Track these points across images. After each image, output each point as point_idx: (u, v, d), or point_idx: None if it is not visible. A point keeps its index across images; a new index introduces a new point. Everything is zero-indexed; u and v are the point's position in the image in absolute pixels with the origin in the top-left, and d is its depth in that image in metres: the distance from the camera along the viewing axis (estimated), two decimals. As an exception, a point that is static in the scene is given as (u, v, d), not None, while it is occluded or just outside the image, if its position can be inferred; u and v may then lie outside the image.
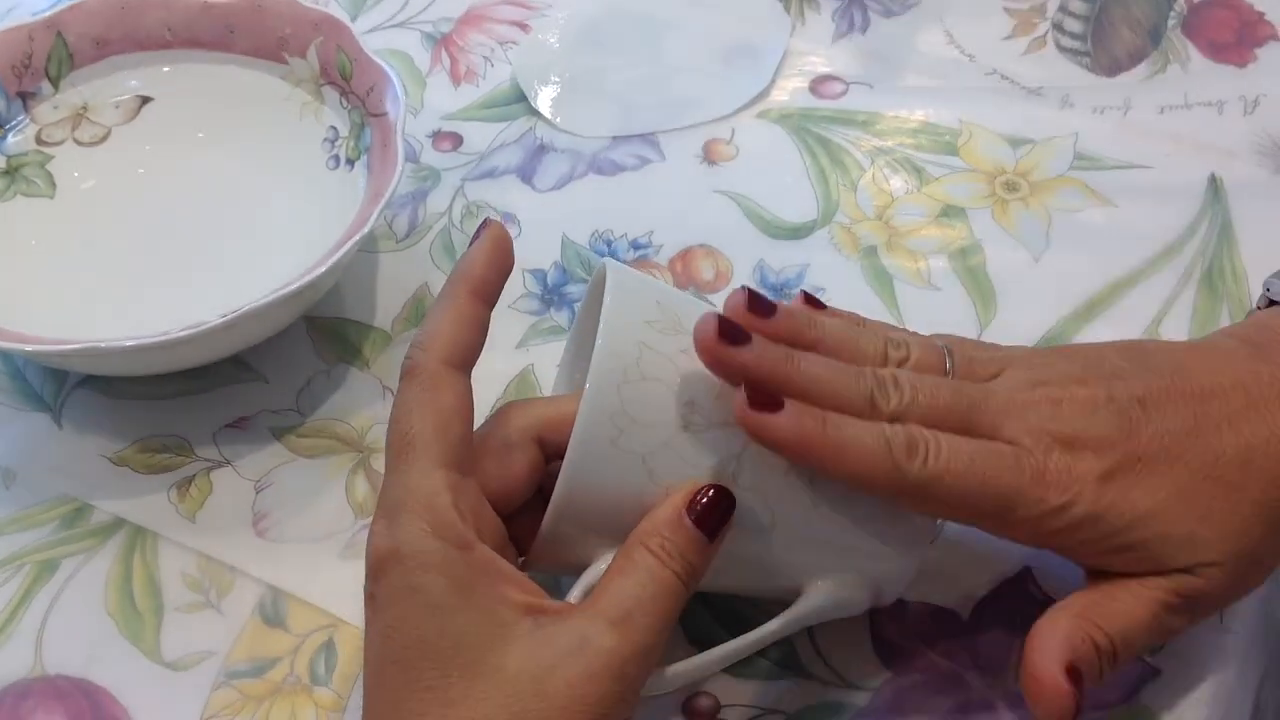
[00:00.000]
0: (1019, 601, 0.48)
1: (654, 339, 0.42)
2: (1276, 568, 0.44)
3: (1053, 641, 0.41)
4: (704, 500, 0.40)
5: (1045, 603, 0.47)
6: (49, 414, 0.55)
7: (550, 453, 0.44)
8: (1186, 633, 0.46)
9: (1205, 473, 0.41)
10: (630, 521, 0.41)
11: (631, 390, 0.40)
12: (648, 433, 0.40)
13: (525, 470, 0.43)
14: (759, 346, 0.40)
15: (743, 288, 0.42)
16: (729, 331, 0.40)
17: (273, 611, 0.49)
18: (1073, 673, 0.40)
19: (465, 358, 0.42)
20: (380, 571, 0.39)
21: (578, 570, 0.42)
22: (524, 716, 0.37)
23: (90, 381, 0.56)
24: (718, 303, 0.57)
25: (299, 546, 0.51)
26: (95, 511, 0.52)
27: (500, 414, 0.44)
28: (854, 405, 0.41)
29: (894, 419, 0.41)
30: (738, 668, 0.47)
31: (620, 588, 0.39)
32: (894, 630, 0.48)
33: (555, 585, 0.46)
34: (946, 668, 0.47)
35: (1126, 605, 0.41)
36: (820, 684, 0.47)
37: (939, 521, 0.45)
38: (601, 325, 0.41)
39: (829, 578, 0.44)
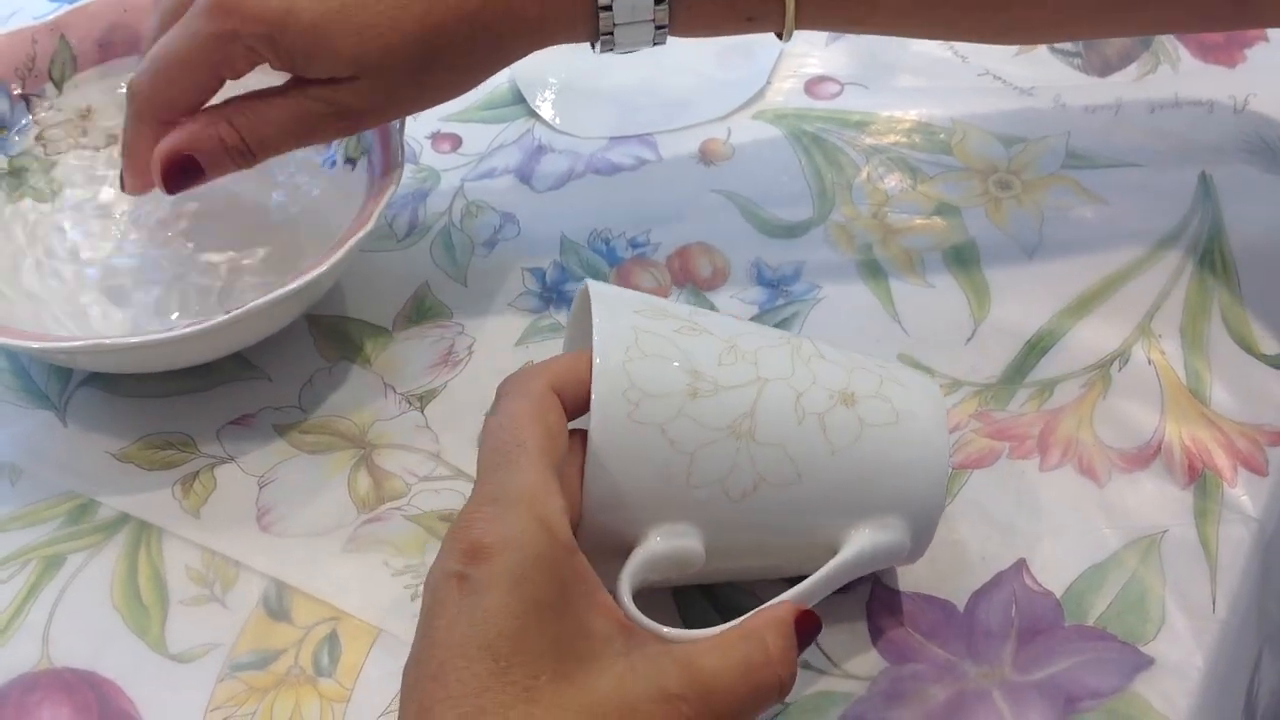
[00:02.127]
0: (1013, 593, 0.49)
1: (646, 324, 0.44)
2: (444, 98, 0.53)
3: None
4: (805, 623, 0.42)
5: (1039, 593, 0.48)
6: (54, 411, 0.56)
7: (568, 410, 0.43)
8: (1180, 622, 0.47)
9: None
10: (661, 496, 0.42)
11: (637, 367, 0.42)
12: (661, 403, 0.42)
13: (563, 428, 0.43)
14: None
15: None
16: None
17: (277, 604, 0.50)
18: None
19: (569, 402, 0.43)
20: (482, 555, 0.38)
21: (621, 553, 0.43)
22: None
23: (94, 379, 0.57)
24: (714, 301, 0.58)
25: (302, 541, 0.51)
26: (101, 507, 0.53)
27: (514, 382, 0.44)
28: None
29: None
30: (737, 658, 0.47)
31: (722, 665, 0.39)
32: (891, 621, 0.48)
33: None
34: (943, 658, 0.47)
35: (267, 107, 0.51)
36: (818, 674, 0.47)
37: (952, 451, 0.46)
38: (595, 316, 0.43)
39: (866, 524, 0.45)
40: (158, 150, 0.51)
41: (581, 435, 0.43)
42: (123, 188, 0.54)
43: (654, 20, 0.53)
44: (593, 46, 0.54)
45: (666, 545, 0.43)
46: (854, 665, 0.47)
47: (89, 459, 0.54)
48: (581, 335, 0.47)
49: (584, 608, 0.39)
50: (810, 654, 0.48)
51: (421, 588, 0.40)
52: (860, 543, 0.44)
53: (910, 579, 0.49)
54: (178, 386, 0.56)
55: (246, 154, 0.51)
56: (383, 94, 0.51)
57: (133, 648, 0.49)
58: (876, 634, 0.48)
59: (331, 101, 0.51)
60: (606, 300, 0.45)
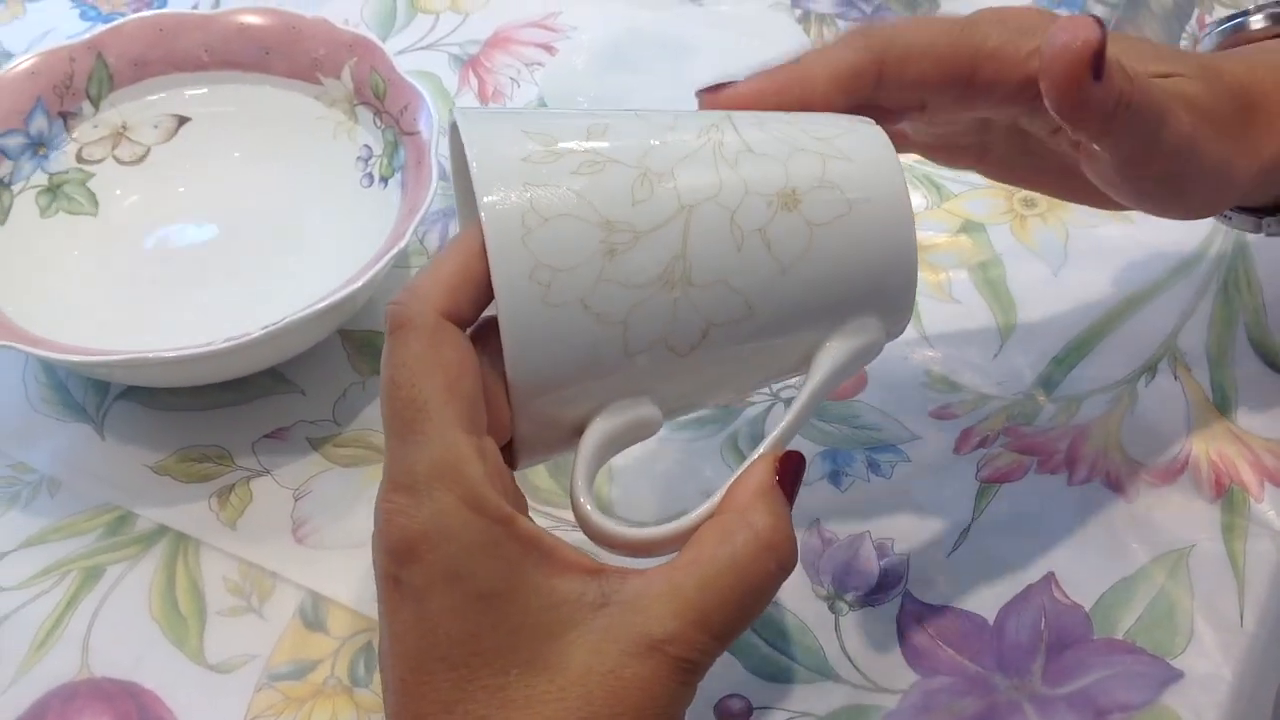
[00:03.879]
0: (1043, 606, 0.49)
1: (539, 174, 0.37)
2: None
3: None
4: (788, 469, 0.38)
5: (1068, 606, 0.49)
6: (91, 425, 0.57)
7: (469, 316, 0.38)
8: (1208, 635, 0.47)
9: None
10: (600, 377, 0.37)
11: (537, 238, 0.36)
12: (575, 275, 0.36)
13: (469, 357, 0.37)
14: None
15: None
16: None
17: (313, 615, 0.50)
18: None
19: (468, 310, 0.37)
20: (411, 555, 0.35)
21: (568, 442, 0.39)
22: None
23: (131, 393, 0.57)
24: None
25: (338, 553, 0.52)
26: (138, 519, 0.53)
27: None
28: None
29: None
30: (769, 670, 0.48)
31: (710, 577, 0.36)
32: (921, 633, 0.49)
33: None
34: (973, 671, 0.48)
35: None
36: (850, 687, 0.48)
37: (911, 220, 0.40)
38: (475, 180, 0.37)
39: (836, 334, 0.40)
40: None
41: (495, 324, 0.37)
42: None
43: None
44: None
45: (616, 424, 0.38)
46: (884, 678, 0.48)
47: (127, 471, 0.55)
48: (464, 178, 0.40)
49: (541, 577, 0.35)
50: (842, 667, 0.48)
51: None
52: (831, 356, 0.39)
53: (940, 593, 0.50)
54: (213, 400, 0.57)
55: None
56: None
57: (171, 658, 0.49)
58: (906, 646, 0.48)
59: None
60: (484, 146, 0.37)
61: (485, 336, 0.38)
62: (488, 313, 0.38)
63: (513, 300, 0.36)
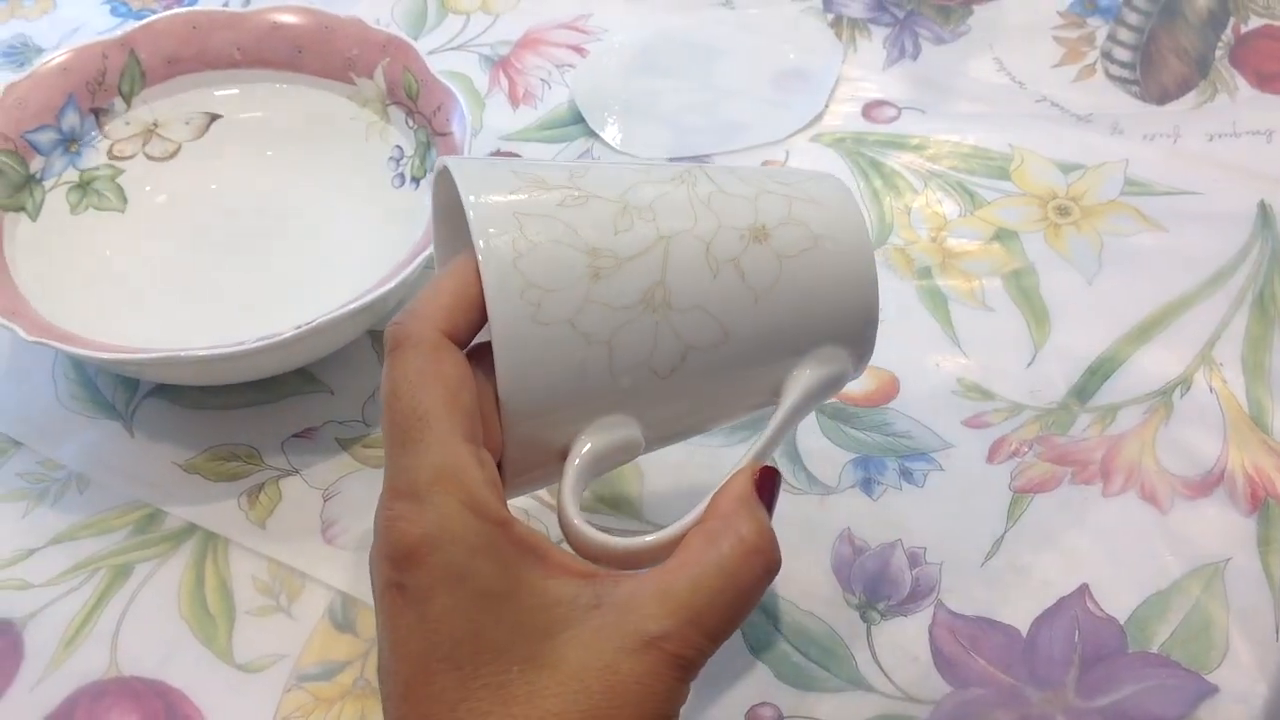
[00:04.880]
0: (1076, 618, 0.49)
1: (526, 204, 0.39)
2: None
3: None
4: (766, 482, 0.40)
5: (1102, 619, 0.48)
6: (120, 422, 0.56)
7: (465, 338, 0.39)
8: (1243, 650, 0.47)
9: None
10: (585, 394, 0.39)
11: (528, 261, 0.38)
12: (563, 296, 0.38)
13: (467, 373, 0.38)
14: None
15: None
16: None
17: (342, 616, 0.50)
18: None
19: (465, 331, 0.39)
20: (413, 559, 0.35)
21: (555, 464, 0.40)
22: (595, 715, 0.35)
23: (160, 391, 0.57)
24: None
25: (367, 554, 0.51)
26: (167, 517, 0.53)
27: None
28: None
29: None
30: (801, 680, 0.48)
31: (699, 579, 0.37)
32: (953, 645, 0.48)
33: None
34: (1006, 683, 0.47)
35: None
36: (881, 697, 0.47)
37: (871, 254, 0.42)
38: (468, 210, 0.39)
39: (805, 362, 0.42)
40: None
41: (489, 347, 0.39)
42: None
43: None
44: None
45: (602, 442, 0.40)
46: (917, 689, 0.47)
47: (156, 469, 0.55)
48: (449, 226, 0.43)
49: (537, 578, 0.36)
50: (874, 677, 0.48)
51: None
52: (802, 384, 0.41)
53: (973, 603, 0.49)
54: (242, 399, 0.57)
55: None
56: None
57: (200, 657, 0.49)
58: (939, 658, 0.48)
59: None
60: (475, 186, 0.40)
61: (478, 361, 0.39)
62: (480, 338, 0.40)
63: (506, 317, 0.38)
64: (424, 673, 0.35)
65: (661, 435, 0.42)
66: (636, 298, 0.39)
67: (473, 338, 0.39)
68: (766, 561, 0.38)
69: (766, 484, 0.40)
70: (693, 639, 0.36)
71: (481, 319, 0.39)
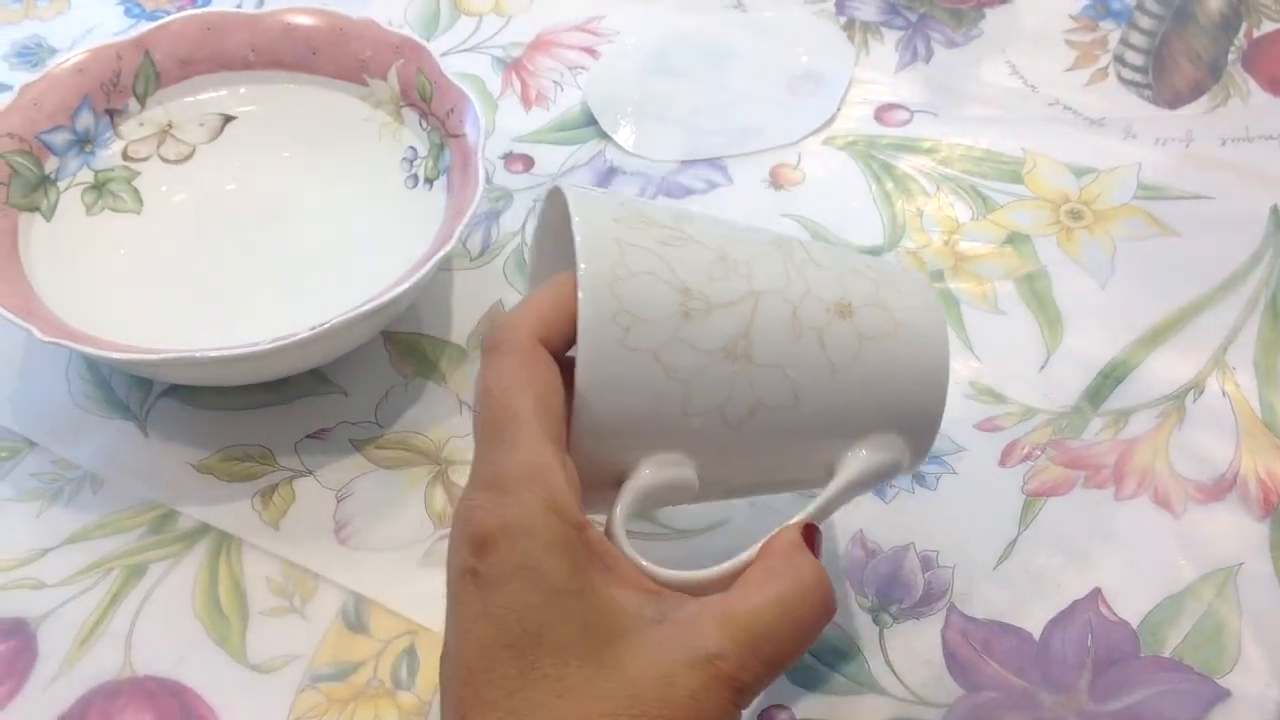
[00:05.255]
0: (1089, 622, 0.49)
1: (630, 235, 0.41)
2: None
3: None
4: (810, 539, 0.41)
5: (1115, 623, 0.48)
6: (135, 422, 0.57)
7: (558, 349, 0.41)
8: (1256, 655, 0.47)
9: None
10: (655, 426, 0.40)
11: (624, 287, 0.40)
12: (653, 327, 0.40)
13: (557, 379, 0.40)
14: None
15: None
16: None
17: (355, 617, 0.50)
18: None
19: (558, 343, 0.40)
20: (489, 546, 0.36)
21: (611, 489, 0.41)
22: None
23: (174, 391, 0.58)
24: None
25: (380, 554, 0.52)
26: (181, 517, 0.53)
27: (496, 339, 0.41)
28: None
29: None
30: (812, 681, 0.48)
31: (761, 606, 0.38)
32: (966, 648, 0.48)
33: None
34: (1019, 686, 0.47)
35: None
36: (894, 700, 0.47)
37: (947, 357, 0.44)
38: (576, 231, 0.40)
39: (865, 442, 0.43)
40: None
41: (573, 364, 0.40)
42: None
43: None
44: None
45: (660, 476, 0.41)
46: (928, 691, 0.48)
47: (169, 469, 0.55)
48: (552, 245, 0.44)
49: (604, 584, 0.37)
50: (886, 680, 0.48)
51: None
52: (858, 465, 0.42)
53: (986, 606, 0.49)
54: (256, 400, 0.57)
55: None
56: None
57: (214, 657, 0.49)
58: (951, 661, 0.48)
59: None
60: (585, 210, 0.41)
61: (564, 378, 0.40)
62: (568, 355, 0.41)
63: (594, 335, 0.39)
64: (487, 658, 0.36)
65: (714, 485, 0.43)
66: (720, 344, 0.40)
67: (565, 350, 0.40)
68: (825, 601, 0.39)
69: (810, 541, 0.41)
70: (749, 663, 0.37)
71: (574, 335, 0.40)
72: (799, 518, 0.42)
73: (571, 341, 0.40)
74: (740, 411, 0.41)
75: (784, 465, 0.43)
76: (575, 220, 0.40)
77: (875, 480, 0.43)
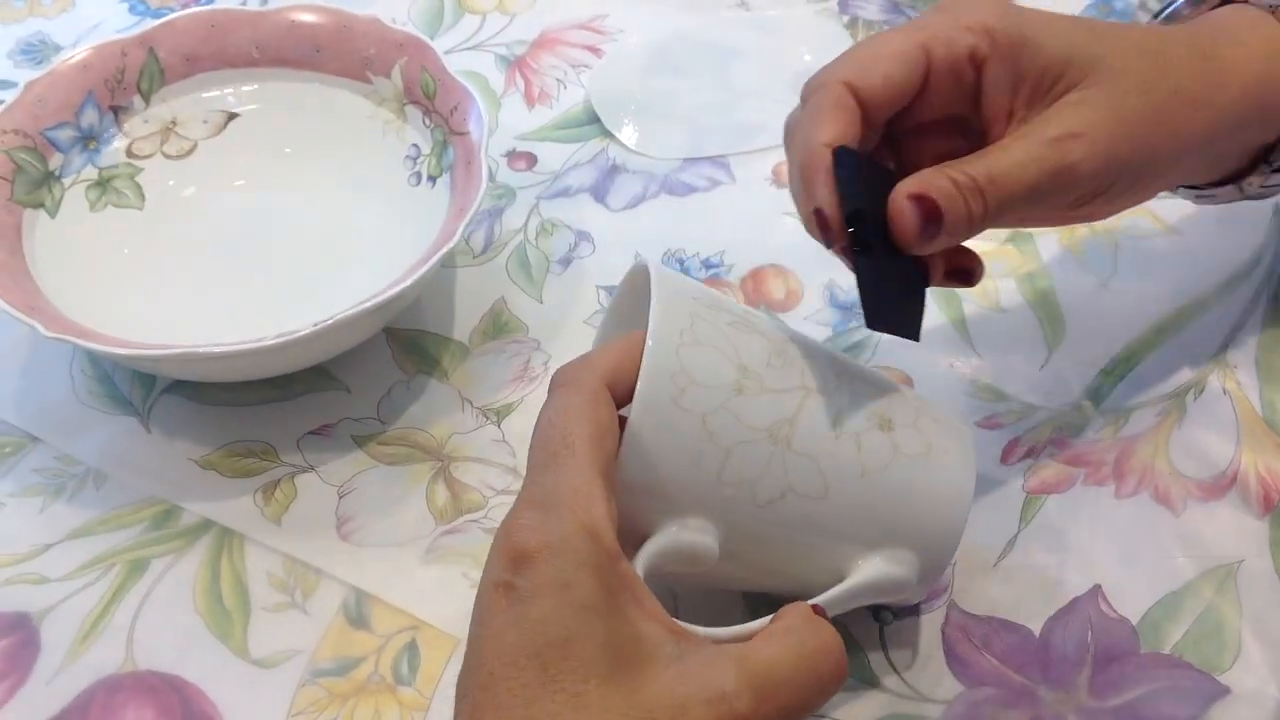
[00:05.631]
0: (1089, 619, 0.49)
1: (703, 311, 0.44)
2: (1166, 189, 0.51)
3: (909, 181, 0.44)
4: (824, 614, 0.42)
5: (1115, 620, 0.48)
6: (137, 418, 0.57)
7: (620, 399, 0.43)
8: (1256, 652, 0.47)
9: None
10: (690, 487, 0.42)
11: (689, 353, 0.42)
12: (706, 393, 0.42)
13: (615, 422, 0.42)
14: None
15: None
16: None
17: (356, 613, 0.50)
18: (921, 200, 0.43)
19: (620, 393, 0.42)
20: (526, 562, 0.38)
21: (634, 545, 0.42)
22: None
23: (177, 387, 0.58)
24: (788, 324, 0.58)
25: (382, 550, 0.52)
26: (184, 513, 0.54)
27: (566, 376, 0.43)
28: None
29: None
30: (812, 677, 0.48)
31: (780, 656, 0.39)
32: (966, 645, 0.49)
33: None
34: (1018, 683, 0.47)
35: (995, 152, 0.45)
36: (893, 696, 0.47)
37: (971, 493, 0.46)
38: (654, 293, 0.43)
39: (880, 552, 0.44)
40: (902, 193, 0.44)
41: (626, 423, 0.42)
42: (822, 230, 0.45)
43: None
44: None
45: (683, 538, 0.42)
46: (928, 688, 0.48)
47: (172, 465, 0.55)
48: (626, 317, 0.47)
49: (632, 613, 0.38)
50: (886, 676, 0.48)
51: None
52: (868, 572, 0.44)
53: (986, 603, 0.50)
54: (258, 396, 0.57)
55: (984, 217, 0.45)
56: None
57: (215, 652, 0.49)
58: (952, 657, 0.48)
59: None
60: (666, 282, 0.44)
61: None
62: (622, 413, 0.42)
63: (652, 386, 0.41)
64: (511, 665, 0.37)
65: (728, 560, 0.44)
66: (765, 424, 0.42)
67: (625, 403, 0.42)
68: (840, 663, 0.40)
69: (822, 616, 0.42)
70: (763, 709, 0.38)
71: (635, 388, 0.42)
72: (810, 601, 0.43)
73: (631, 396, 0.42)
74: (771, 491, 0.43)
75: (799, 559, 0.45)
76: (655, 285, 0.43)
77: (883, 591, 0.45)
